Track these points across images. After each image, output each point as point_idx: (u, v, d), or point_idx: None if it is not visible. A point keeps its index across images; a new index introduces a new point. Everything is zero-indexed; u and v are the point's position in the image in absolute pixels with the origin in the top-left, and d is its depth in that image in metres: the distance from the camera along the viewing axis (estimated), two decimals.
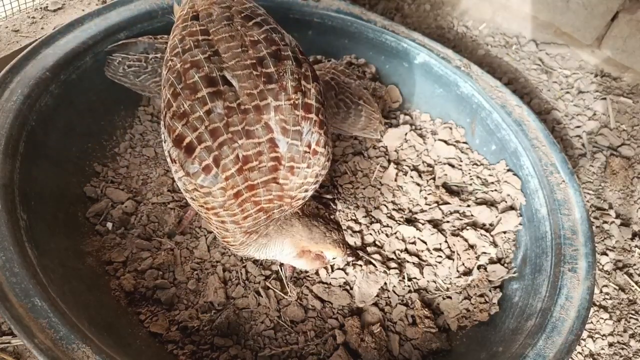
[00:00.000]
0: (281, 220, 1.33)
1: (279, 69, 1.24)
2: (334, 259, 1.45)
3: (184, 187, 1.27)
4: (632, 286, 1.96)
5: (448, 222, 1.94)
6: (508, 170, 2.06)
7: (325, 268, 1.73)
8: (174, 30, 1.40)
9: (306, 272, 1.74)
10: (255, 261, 1.72)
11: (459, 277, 1.80)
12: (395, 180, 2.04)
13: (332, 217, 1.41)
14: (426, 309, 1.69)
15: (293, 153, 1.22)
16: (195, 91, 1.20)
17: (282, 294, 1.66)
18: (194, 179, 1.21)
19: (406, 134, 2.24)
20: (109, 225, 1.71)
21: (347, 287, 1.72)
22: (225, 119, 1.17)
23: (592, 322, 1.83)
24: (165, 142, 1.29)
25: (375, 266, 1.75)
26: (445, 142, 2.23)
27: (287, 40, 1.36)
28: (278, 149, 1.21)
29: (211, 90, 1.19)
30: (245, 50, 1.26)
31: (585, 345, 1.77)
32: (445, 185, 2.07)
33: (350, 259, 1.73)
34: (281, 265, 1.73)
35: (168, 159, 1.30)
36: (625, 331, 1.83)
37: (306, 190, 1.29)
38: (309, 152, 1.24)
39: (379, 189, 2.01)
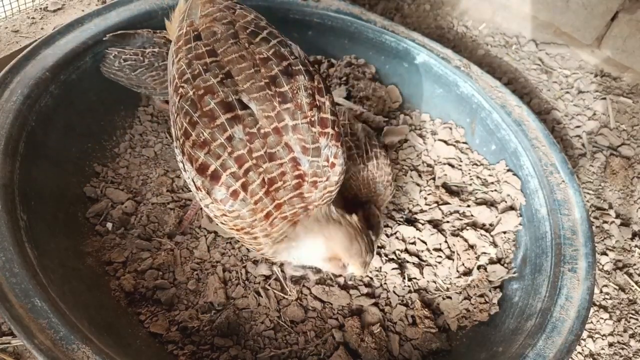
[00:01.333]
0: (312, 220, 1.32)
1: (293, 87, 1.25)
2: (352, 274, 1.46)
3: (212, 214, 1.30)
4: (632, 286, 1.96)
5: (448, 222, 1.94)
6: (508, 170, 2.06)
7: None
8: (177, 52, 1.36)
9: (305, 274, 1.74)
10: (255, 261, 1.72)
11: (459, 277, 1.80)
12: (395, 180, 2.04)
13: (372, 237, 1.42)
14: (426, 309, 1.69)
15: (315, 169, 1.25)
16: (213, 118, 1.20)
17: (282, 294, 1.66)
18: (222, 205, 1.23)
19: (406, 134, 2.24)
20: (109, 225, 1.71)
21: (347, 287, 1.72)
22: (248, 145, 1.19)
23: (592, 322, 1.83)
24: (186, 171, 1.29)
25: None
26: (445, 142, 2.23)
27: (295, 52, 1.36)
28: (300, 167, 1.24)
29: (230, 116, 1.19)
30: (258, 70, 1.26)
31: (585, 345, 1.77)
32: (445, 185, 2.07)
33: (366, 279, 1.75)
34: (281, 265, 1.73)
35: (192, 187, 1.30)
36: (625, 331, 1.83)
37: (329, 197, 1.33)
38: (327, 166, 1.27)
39: None
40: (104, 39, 1.85)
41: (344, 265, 1.38)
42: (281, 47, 1.33)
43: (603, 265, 2.00)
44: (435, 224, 1.93)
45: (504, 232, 1.92)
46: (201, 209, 1.79)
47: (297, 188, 1.25)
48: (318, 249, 1.35)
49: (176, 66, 1.33)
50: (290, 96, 1.24)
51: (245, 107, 1.21)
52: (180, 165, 1.32)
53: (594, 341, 1.78)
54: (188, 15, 1.43)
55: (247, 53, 1.29)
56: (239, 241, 1.65)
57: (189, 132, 1.22)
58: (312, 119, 1.24)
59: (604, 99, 2.63)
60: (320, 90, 1.30)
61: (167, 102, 2.07)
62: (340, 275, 1.72)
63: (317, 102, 1.27)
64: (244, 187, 1.20)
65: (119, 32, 1.85)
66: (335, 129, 1.29)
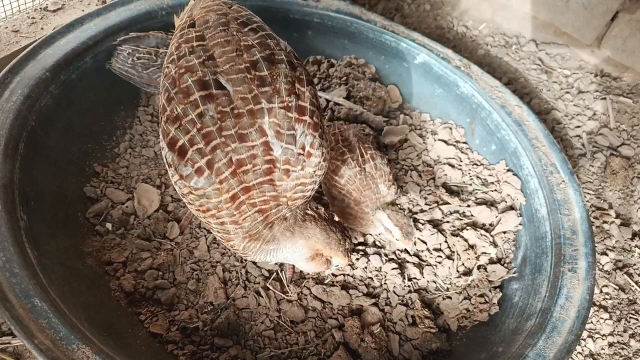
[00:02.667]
0: (290, 223, 1.31)
1: (273, 72, 1.26)
2: (336, 266, 1.45)
3: (180, 191, 1.28)
4: (632, 286, 1.96)
5: (448, 222, 1.94)
6: (508, 170, 2.06)
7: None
8: (172, 39, 1.42)
9: (307, 273, 1.74)
10: (254, 261, 1.72)
11: (459, 277, 1.80)
12: (396, 179, 2.04)
13: (341, 225, 1.42)
14: (426, 309, 1.69)
15: (288, 156, 1.23)
16: (188, 95, 1.21)
17: (282, 294, 1.66)
18: (187, 182, 1.22)
19: (406, 134, 2.24)
20: (109, 225, 1.71)
21: (347, 287, 1.72)
22: (219, 123, 1.18)
23: (592, 322, 1.83)
24: (162, 148, 1.30)
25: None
26: (445, 142, 2.23)
27: (282, 45, 1.38)
28: (272, 152, 1.22)
29: (204, 94, 1.20)
30: (240, 54, 1.27)
31: (585, 345, 1.77)
32: (445, 185, 2.07)
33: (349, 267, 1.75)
34: (281, 265, 1.73)
35: (165, 164, 1.31)
36: (625, 331, 1.83)
37: (302, 191, 1.29)
38: (303, 155, 1.25)
39: None
40: (114, 42, 1.87)
41: (326, 260, 1.39)
42: (267, 39, 1.35)
43: (603, 265, 2.00)
44: (435, 224, 1.93)
45: (504, 232, 1.92)
46: None
47: (268, 174, 1.22)
48: (299, 251, 1.35)
49: (168, 51, 1.39)
50: (269, 80, 1.24)
51: (221, 87, 1.22)
52: (160, 142, 1.33)
53: (594, 341, 1.78)
54: (190, 9, 1.51)
55: (232, 39, 1.31)
56: (207, 227, 1.55)
57: (165, 107, 1.25)
58: (289, 105, 1.23)
59: (604, 99, 2.63)
60: (301, 81, 1.30)
61: None
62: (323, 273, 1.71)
63: (297, 90, 1.27)
64: (209, 164, 1.18)
65: (132, 34, 1.87)
66: (314, 119, 1.27)
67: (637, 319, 1.86)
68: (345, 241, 1.37)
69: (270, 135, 1.21)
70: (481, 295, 1.75)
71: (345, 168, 1.67)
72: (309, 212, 1.34)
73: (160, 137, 1.29)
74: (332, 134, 1.79)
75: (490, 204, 2.01)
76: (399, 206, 1.71)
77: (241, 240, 1.30)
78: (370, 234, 1.86)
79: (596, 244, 2.04)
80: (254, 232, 1.29)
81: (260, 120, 1.20)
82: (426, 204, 1.99)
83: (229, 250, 1.74)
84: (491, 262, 1.84)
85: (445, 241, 1.87)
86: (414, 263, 1.81)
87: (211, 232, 1.77)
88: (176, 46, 1.35)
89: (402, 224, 1.63)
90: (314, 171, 1.28)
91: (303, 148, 1.25)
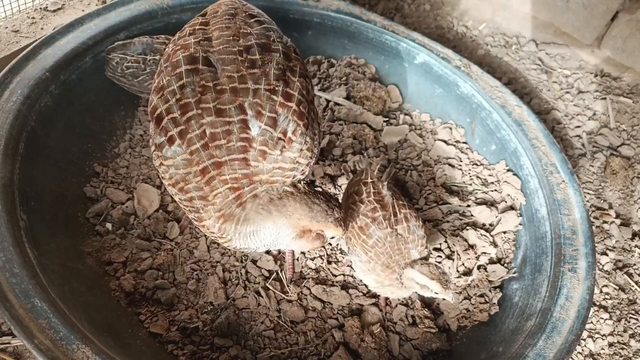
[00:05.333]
0: (263, 201, 1.24)
1: (265, 58, 1.27)
2: (332, 237, 1.36)
3: (155, 164, 1.28)
4: (632, 286, 1.96)
5: (448, 222, 1.94)
6: (508, 170, 2.06)
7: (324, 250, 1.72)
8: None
9: (307, 274, 1.74)
10: (254, 261, 1.72)
11: (459, 277, 1.80)
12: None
13: (326, 195, 1.31)
14: (426, 309, 1.69)
15: (266, 137, 1.21)
16: (175, 67, 1.24)
17: (282, 294, 1.66)
18: (159, 151, 1.22)
19: (406, 134, 2.24)
20: (109, 225, 1.71)
21: (347, 287, 1.72)
22: (199, 96, 1.19)
23: (592, 322, 1.83)
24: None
25: None
26: (445, 142, 2.23)
27: (283, 40, 1.38)
28: (249, 132, 1.20)
29: (190, 68, 1.22)
30: (236, 39, 1.30)
31: (585, 345, 1.77)
32: (445, 185, 2.07)
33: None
34: (281, 265, 1.73)
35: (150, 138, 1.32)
36: (625, 331, 1.83)
37: (281, 175, 1.26)
38: (283, 140, 1.23)
39: None
40: (103, 51, 1.87)
41: (317, 234, 1.30)
42: (269, 31, 1.37)
43: (603, 265, 2.00)
44: (435, 224, 1.93)
45: (504, 232, 1.92)
46: None
47: (242, 152, 1.21)
48: (284, 231, 1.26)
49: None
50: (259, 64, 1.25)
51: (210, 64, 1.23)
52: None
53: (594, 341, 1.78)
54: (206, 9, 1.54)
55: (234, 26, 1.34)
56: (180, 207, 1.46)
57: (155, 80, 1.28)
58: (276, 89, 1.23)
59: (604, 99, 2.63)
60: (294, 71, 1.30)
61: None
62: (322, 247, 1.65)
63: (287, 78, 1.27)
64: (182, 134, 1.18)
65: (116, 43, 1.87)
66: (300, 108, 1.26)
67: (637, 319, 1.86)
68: (333, 210, 1.27)
69: (249, 115, 1.20)
70: (481, 295, 1.75)
71: (375, 228, 1.50)
72: (287, 188, 1.25)
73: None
74: (362, 181, 1.63)
75: (490, 204, 2.01)
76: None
77: (215, 221, 1.26)
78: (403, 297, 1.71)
79: (596, 244, 2.04)
80: (228, 212, 1.24)
81: (243, 99, 1.20)
82: (426, 204, 1.99)
83: (229, 250, 1.74)
84: (491, 262, 1.84)
85: (445, 241, 1.87)
86: None
87: None
88: (181, 29, 1.40)
89: (437, 275, 1.42)
90: (295, 157, 1.26)
91: (284, 133, 1.23)
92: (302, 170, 1.31)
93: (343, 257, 1.80)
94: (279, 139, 1.22)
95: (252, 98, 1.20)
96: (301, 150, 1.26)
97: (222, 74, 1.22)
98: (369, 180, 1.62)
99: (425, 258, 1.50)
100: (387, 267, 1.48)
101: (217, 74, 1.22)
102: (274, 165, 1.24)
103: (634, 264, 2.03)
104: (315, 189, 1.34)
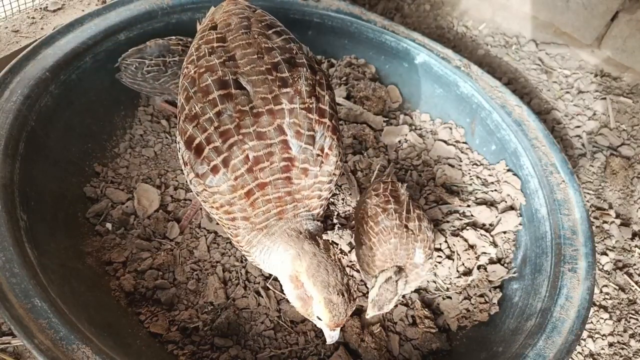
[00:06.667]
0: (294, 226, 1.23)
1: (294, 75, 1.26)
2: (319, 318, 1.21)
3: (195, 189, 1.28)
4: (632, 286, 1.96)
5: (448, 222, 1.94)
6: (508, 170, 2.06)
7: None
8: (193, 41, 1.44)
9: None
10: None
11: (459, 277, 1.80)
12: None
13: (353, 286, 1.21)
14: (426, 309, 1.69)
15: (307, 155, 1.23)
16: (207, 93, 1.21)
17: (282, 294, 1.65)
18: (202, 180, 1.22)
19: (406, 134, 2.24)
20: (109, 225, 1.71)
21: None
22: (237, 121, 1.18)
23: (592, 322, 1.83)
24: (178, 147, 1.30)
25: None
26: (445, 142, 2.23)
27: (303, 50, 1.39)
28: (291, 151, 1.21)
29: (222, 93, 1.20)
30: (261, 57, 1.28)
31: (585, 345, 1.77)
32: (445, 185, 2.07)
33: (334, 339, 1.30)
34: None
35: (181, 162, 1.31)
36: (625, 331, 1.83)
37: (319, 189, 1.28)
38: (321, 156, 1.25)
39: None
40: (116, 65, 1.88)
41: (308, 297, 1.19)
42: (290, 42, 1.36)
43: (603, 265, 2.00)
44: (435, 224, 1.93)
45: (504, 232, 1.92)
46: (201, 208, 1.79)
47: (285, 171, 1.22)
48: (285, 263, 1.22)
49: (188, 52, 1.40)
50: (290, 82, 1.25)
51: (241, 87, 1.22)
52: (177, 144, 1.33)
53: (594, 341, 1.78)
54: (212, 14, 1.52)
55: (254, 42, 1.32)
56: (219, 224, 1.42)
57: (184, 106, 1.25)
58: (310, 106, 1.24)
59: (604, 99, 2.63)
60: (322, 85, 1.31)
61: (167, 101, 2.07)
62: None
63: (317, 94, 1.28)
64: (225, 162, 1.18)
65: (130, 50, 1.87)
66: (333, 122, 1.28)
67: (637, 319, 1.86)
68: (339, 295, 1.15)
69: (289, 135, 1.21)
70: (481, 295, 1.75)
71: (384, 217, 1.47)
72: (318, 232, 1.26)
73: (177, 136, 1.30)
74: (381, 181, 1.61)
75: (490, 204, 2.01)
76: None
77: (248, 233, 1.25)
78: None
79: (596, 244, 2.04)
80: (262, 225, 1.24)
81: (280, 120, 1.21)
82: (426, 204, 1.99)
83: (229, 250, 1.74)
84: (491, 262, 1.84)
85: (445, 241, 1.87)
86: None
87: (211, 233, 1.77)
88: (196, 47, 1.36)
89: (377, 299, 1.38)
90: (332, 170, 1.28)
91: (322, 150, 1.25)
92: (334, 182, 1.33)
93: (343, 257, 1.79)
94: (318, 155, 1.24)
95: (289, 118, 1.21)
96: (336, 162, 1.29)
97: (256, 95, 1.21)
98: (389, 179, 1.64)
99: (400, 270, 1.42)
100: (385, 259, 1.44)
101: (250, 96, 1.21)
102: (314, 180, 1.26)
103: (634, 264, 2.03)
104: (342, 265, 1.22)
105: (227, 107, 1.19)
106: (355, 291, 1.25)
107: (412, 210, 1.51)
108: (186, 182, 1.76)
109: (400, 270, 1.43)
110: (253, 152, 1.19)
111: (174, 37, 1.91)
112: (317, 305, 1.18)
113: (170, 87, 1.90)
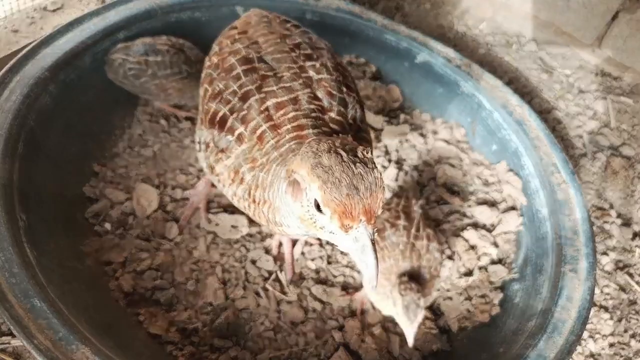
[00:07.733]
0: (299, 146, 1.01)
1: (316, 53, 1.27)
2: (319, 210, 0.87)
3: (218, 169, 1.20)
4: (633, 286, 1.95)
5: (449, 222, 1.93)
6: (509, 170, 2.05)
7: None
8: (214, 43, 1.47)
9: (306, 274, 1.73)
10: (253, 261, 1.72)
11: (459, 277, 1.79)
12: (396, 180, 2.04)
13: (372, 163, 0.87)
14: (427, 310, 1.69)
15: (341, 109, 1.16)
16: (230, 71, 1.21)
17: (282, 295, 1.65)
18: (224, 154, 1.17)
19: (406, 134, 2.23)
20: (108, 225, 1.71)
21: (347, 288, 1.71)
22: (259, 82, 1.16)
23: (592, 323, 1.83)
24: (197, 140, 1.29)
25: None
26: (445, 141, 2.23)
27: (322, 43, 1.43)
28: (319, 101, 1.15)
29: (246, 67, 1.19)
30: (284, 41, 1.29)
31: (586, 346, 1.77)
32: (445, 185, 2.07)
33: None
34: (281, 266, 1.72)
35: (199, 150, 1.30)
36: (625, 331, 1.82)
37: (344, 118, 1.15)
38: (353, 124, 1.19)
39: None
40: (104, 56, 1.88)
41: (300, 189, 0.90)
42: (308, 32, 1.41)
43: (604, 266, 2.00)
44: (436, 224, 1.92)
45: (505, 233, 1.92)
46: (198, 208, 1.79)
47: (315, 111, 1.13)
48: (283, 182, 1.00)
49: (211, 51, 1.42)
50: (315, 56, 1.24)
51: (265, 62, 1.22)
52: (196, 138, 1.33)
53: (594, 341, 1.78)
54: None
55: (275, 30, 1.35)
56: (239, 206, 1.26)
57: (207, 90, 1.25)
58: (338, 78, 1.22)
59: (605, 98, 2.63)
60: (343, 67, 1.33)
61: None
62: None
63: (342, 71, 1.28)
64: (244, 120, 1.13)
65: (118, 45, 1.88)
66: (360, 99, 1.27)
67: (637, 319, 1.86)
68: (343, 176, 0.82)
69: (320, 94, 1.17)
70: (482, 296, 1.74)
71: (391, 232, 1.43)
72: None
73: (196, 131, 1.29)
74: (397, 194, 1.58)
75: (491, 204, 2.00)
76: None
77: (271, 162, 1.06)
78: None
79: (597, 244, 2.03)
80: (281, 145, 1.08)
81: (308, 80, 1.18)
82: (427, 204, 1.98)
83: (229, 250, 1.73)
84: (492, 262, 1.84)
85: (446, 241, 1.87)
86: None
87: (210, 233, 1.76)
88: (217, 43, 1.39)
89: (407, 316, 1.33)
90: (361, 116, 1.24)
91: (354, 121, 1.20)
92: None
93: (343, 258, 1.79)
94: (350, 124, 1.17)
95: (318, 85, 1.18)
96: (367, 129, 1.28)
97: (280, 65, 1.20)
98: (405, 194, 1.61)
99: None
100: (387, 274, 1.41)
101: (275, 68, 1.20)
102: (345, 111, 1.19)
103: (635, 264, 2.02)
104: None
105: (250, 78, 1.18)
106: (379, 179, 0.85)
107: (422, 229, 1.47)
108: (190, 197, 1.77)
109: (409, 284, 1.35)
110: (275, 99, 1.13)
111: (164, 37, 1.91)
112: (309, 187, 0.84)
113: (150, 88, 1.89)
